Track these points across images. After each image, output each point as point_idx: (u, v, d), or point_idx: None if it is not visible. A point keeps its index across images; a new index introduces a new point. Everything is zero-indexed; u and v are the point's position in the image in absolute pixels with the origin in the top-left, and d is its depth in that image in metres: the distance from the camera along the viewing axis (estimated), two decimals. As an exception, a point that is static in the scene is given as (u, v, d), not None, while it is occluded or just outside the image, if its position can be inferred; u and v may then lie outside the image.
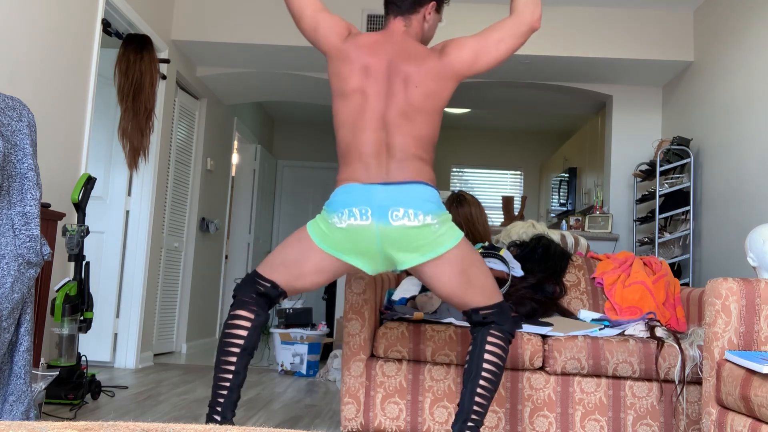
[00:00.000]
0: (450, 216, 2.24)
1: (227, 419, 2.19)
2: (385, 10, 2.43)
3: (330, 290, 6.63)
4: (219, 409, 2.18)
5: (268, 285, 2.25)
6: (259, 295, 2.25)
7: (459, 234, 2.22)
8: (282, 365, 4.86)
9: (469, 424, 2.18)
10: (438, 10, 2.48)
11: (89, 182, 3.41)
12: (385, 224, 2.13)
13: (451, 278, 2.21)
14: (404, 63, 2.25)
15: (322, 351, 5.34)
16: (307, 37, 2.36)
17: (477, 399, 2.20)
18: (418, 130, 2.23)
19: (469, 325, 2.88)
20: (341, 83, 2.27)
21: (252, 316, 2.23)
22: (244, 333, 2.21)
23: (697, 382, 2.71)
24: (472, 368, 2.23)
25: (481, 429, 2.28)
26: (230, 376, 2.18)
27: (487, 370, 2.22)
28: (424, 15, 2.42)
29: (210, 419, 2.20)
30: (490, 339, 2.25)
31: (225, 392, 2.18)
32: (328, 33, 2.31)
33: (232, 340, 2.21)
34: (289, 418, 3.23)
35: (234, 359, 2.19)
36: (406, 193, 2.15)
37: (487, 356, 2.23)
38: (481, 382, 2.21)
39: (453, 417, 2.76)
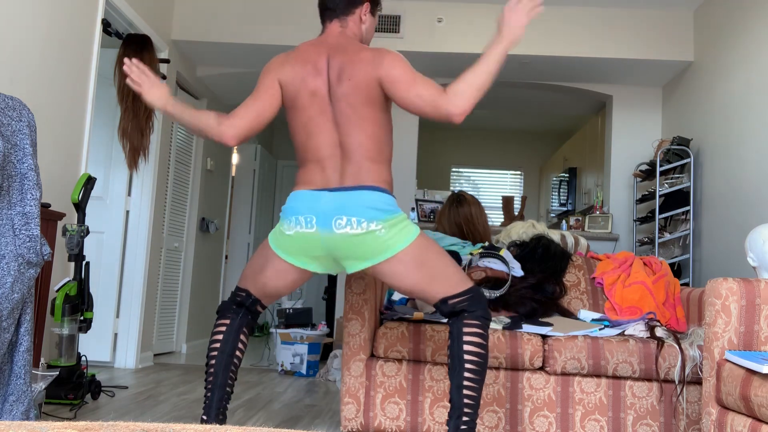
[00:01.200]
0: (402, 217, 2.22)
1: (211, 418, 2.29)
2: (321, 18, 2.46)
3: (330, 290, 6.62)
4: (203, 410, 2.32)
5: (243, 294, 2.39)
6: (237, 305, 2.39)
7: (410, 235, 2.20)
8: (282, 365, 4.86)
9: (464, 419, 2.17)
10: (372, 12, 2.48)
11: (89, 182, 3.40)
12: (328, 232, 2.17)
13: (407, 275, 2.21)
14: (339, 56, 2.27)
15: (322, 351, 5.34)
16: (286, 104, 2.35)
17: (465, 392, 2.18)
18: (368, 128, 2.23)
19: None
20: (290, 96, 2.30)
21: (228, 321, 2.37)
22: (220, 337, 2.36)
23: (697, 382, 2.71)
24: (455, 363, 2.21)
25: (477, 421, 2.26)
26: (210, 378, 2.32)
27: (469, 362, 2.20)
28: (360, 16, 2.43)
29: (201, 420, 2.35)
30: (466, 329, 2.22)
31: (208, 393, 2.31)
32: (276, 87, 2.33)
33: (211, 345, 2.37)
34: (289, 418, 3.23)
35: (213, 361, 2.33)
36: (351, 200, 2.16)
37: (466, 347, 2.20)
38: (466, 374, 2.19)
39: None
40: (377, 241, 2.16)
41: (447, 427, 2.21)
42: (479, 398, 2.21)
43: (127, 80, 2.44)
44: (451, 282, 2.25)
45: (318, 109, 2.26)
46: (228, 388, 2.32)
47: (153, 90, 2.41)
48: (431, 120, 2.27)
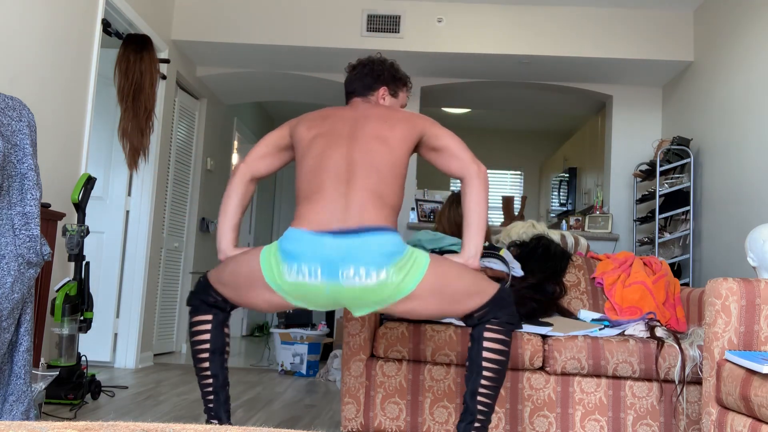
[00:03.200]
0: (410, 252, 2.09)
1: (223, 420, 2.24)
2: (346, 99, 2.51)
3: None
4: (213, 413, 2.24)
5: (219, 299, 2.26)
6: (209, 305, 2.26)
7: (421, 270, 2.08)
8: (282, 365, 4.86)
9: (476, 425, 2.15)
10: (394, 94, 2.50)
11: (89, 182, 3.40)
12: (336, 284, 2.02)
13: (425, 308, 2.13)
14: (370, 112, 2.29)
15: (322, 351, 5.34)
16: (297, 151, 2.32)
17: (480, 399, 2.15)
18: (382, 167, 2.18)
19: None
20: (303, 142, 2.27)
21: (210, 317, 2.25)
22: (207, 336, 2.24)
23: (697, 382, 2.71)
24: (473, 367, 2.16)
25: (489, 426, 2.24)
26: (210, 381, 2.23)
27: (488, 369, 2.15)
28: (378, 99, 2.47)
29: (209, 423, 2.24)
30: (487, 334, 2.16)
31: (211, 397, 2.23)
32: (286, 135, 2.36)
33: (199, 346, 2.25)
34: (289, 418, 3.23)
35: (207, 364, 2.23)
36: (358, 248, 2.00)
37: (486, 354, 2.15)
38: (483, 381, 2.15)
39: (453, 417, 2.76)
40: (389, 288, 2.04)
41: (455, 428, 2.18)
42: (494, 405, 2.18)
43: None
44: (474, 297, 2.17)
45: (334, 142, 2.21)
46: (227, 387, 2.29)
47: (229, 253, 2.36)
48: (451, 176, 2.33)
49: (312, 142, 2.24)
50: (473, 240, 2.22)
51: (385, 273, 2.01)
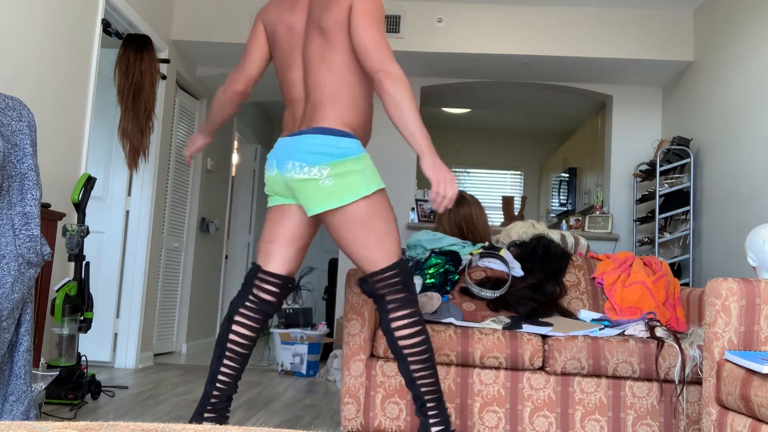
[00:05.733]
0: (353, 165, 2.15)
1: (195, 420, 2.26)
2: None
3: (330, 290, 6.62)
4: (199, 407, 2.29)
5: (252, 267, 2.37)
6: (246, 283, 2.36)
7: (357, 191, 2.14)
8: (282, 365, 4.86)
9: (429, 404, 2.19)
10: None
11: (89, 182, 3.40)
12: (282, 174, 2.23)
13: (346, 231, 2.18)
14: None
15: (322, 351, 5.34)
16: (269, 45, 2.43)
17: (420, 382, 2.19)
18: (335, 69, 2.22)
19: (466, 323, 2.88)
20: (270, 34, 2.37)
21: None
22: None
23: (697, 382, 2.71)
24: (397, 357, 2.20)
25: (443, 398, 2.24)
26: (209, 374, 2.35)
27: (411, 354, 2.18)
28: None
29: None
30: (398, 333, 2.18)
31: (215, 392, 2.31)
32: (261, 42, 2.42)
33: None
34: (289, 418, 3.23)
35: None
36: (296, 145, 2.19)
37: (402, 342, 2.18)
38: (413, 366, 2.18)
39: (453, 416, 2.77)
40: (319, 191, 2.15)
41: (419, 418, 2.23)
42: (437, 381, 2.20)
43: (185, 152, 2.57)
44: (381, 251, 2.19)
45: (291, 45, 2.31)
46: (219, 384, 2.24)
47: (198, 144, 2.58)
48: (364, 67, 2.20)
49: (274, 39, 2.36)
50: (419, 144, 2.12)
51: (316, 170, 2.15)
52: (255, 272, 2.30)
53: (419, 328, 2.18)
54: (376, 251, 2.19)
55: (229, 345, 2.25)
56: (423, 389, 2.18)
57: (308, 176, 2.15)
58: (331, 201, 2.15)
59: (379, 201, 2.20)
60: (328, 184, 2.14)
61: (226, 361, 2.25)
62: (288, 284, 2.33)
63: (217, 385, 2.23)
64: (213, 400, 2.23)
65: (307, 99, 2.26)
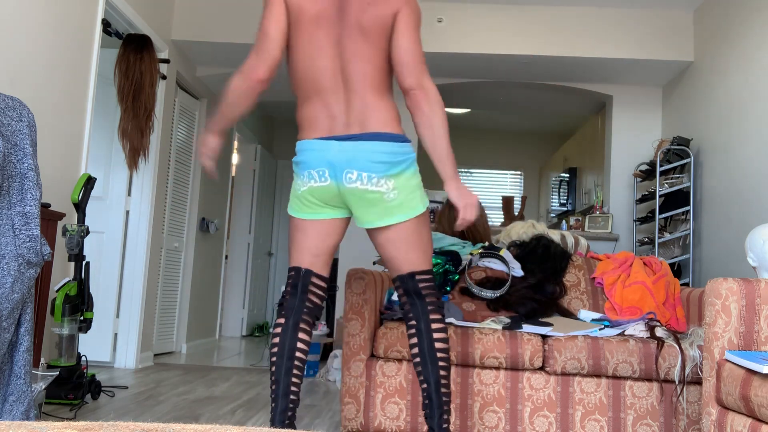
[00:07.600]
0: (417, 179, 2.16)
1: (275, 425, 2.19)
2: None
3: (330, 290, 6.63)
4: (271, 420, 2.20)
5: (293, 273, 2.25)
6: (292, 287, 2.26)
7: (416, 209, 2.15)
8: (282, 365, 4.85)
9: (444, 416, 2.17)
10: None
11: (89, 182, 3.40)
12: (340, 184, 2.12)
13: (396, 248, 2.18)
14: None
15: (322, 351, 5.34)
16: (289, 24, 2.21)
17: (444, 390, 2.16)
18: (375, 57, 2.12)
19: (466, 323, 2.88)
20: (294, 13, 2.15)
21: (282, 321, 2.22)
22: (277, 340, 2.23)
23: (697, 382, 2.71)
24: (428, 361, 2.16)
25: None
26: (273, 386, 2.20)
27: (441, 359, 2.16)
28: None
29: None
30: (434, 325, 2.18)
31: (272, 404, 2.21)
32: (281, 19, 2.17)
33: (272, 350, 2.22)
34: (289, 418, 3.23)
35: (274, 368, 2.21)
36: (359, 153, 2.08)
37: (438, 344, 2.17)
38: (442, 372, 2.16)
39: (453, 416, 2.76)
40: (381, 204, 2.11)
41: (427, 423, 2.18)
42: (450, 393, 2.21)
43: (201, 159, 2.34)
44: (425, 257, 2.21)
45: (320, 29, 2.13)
46: (293, 396, 2.15)
47: (213, 146, 2.32)
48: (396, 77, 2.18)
49: (298, 19, 2.14)
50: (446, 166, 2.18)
51: (384, 182, 2.09)
52: (308, 278, 2.24)
53: (447, 334, 2.22)
54: (422, 254, 2.21)
55: (298, 354, 2.18)
56: (444, 398, 2.16)
57: (376, 188, 2.10)
58: (392, 218, 2.14)
59: (426, 212, 2.22)
60: (392, 197, 2.12)
61: (296, 371, 2.17)
62: (328, 285, 2.36)
63: (291, 397, 2.16)
64: (289, 413, 2.15)
65: (349, 95, 2.13)
